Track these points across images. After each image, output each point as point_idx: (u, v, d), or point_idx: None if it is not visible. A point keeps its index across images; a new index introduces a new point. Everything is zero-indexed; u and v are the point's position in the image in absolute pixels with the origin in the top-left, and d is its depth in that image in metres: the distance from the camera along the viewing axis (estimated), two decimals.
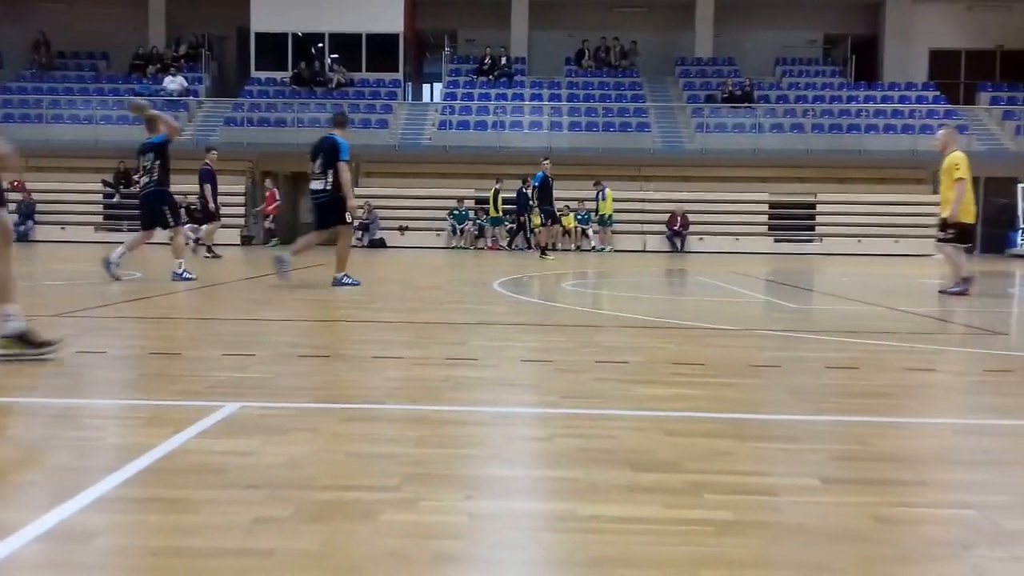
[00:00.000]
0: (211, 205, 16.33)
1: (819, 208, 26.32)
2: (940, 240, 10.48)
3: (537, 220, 20.34)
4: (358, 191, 26.96)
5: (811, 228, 26.23)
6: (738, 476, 2.74)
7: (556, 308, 8.69)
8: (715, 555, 2.11)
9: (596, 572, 2.00)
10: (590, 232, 25.43)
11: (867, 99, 28.90)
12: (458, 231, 25.44)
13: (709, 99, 28.61)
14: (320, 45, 30.52)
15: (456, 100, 29.31)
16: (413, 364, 4.82)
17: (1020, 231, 25.51)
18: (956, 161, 10.16)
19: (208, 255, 16.61)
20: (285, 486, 2.56)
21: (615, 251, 24.59)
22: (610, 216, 25.07)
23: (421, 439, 3.14)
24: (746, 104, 28.00)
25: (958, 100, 29.54)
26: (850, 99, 28.93)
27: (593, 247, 25.04)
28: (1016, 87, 29.47)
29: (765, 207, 26.38)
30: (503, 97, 29.22)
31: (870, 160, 26.08)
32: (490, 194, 24.97)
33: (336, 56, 30.39)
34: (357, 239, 25.83)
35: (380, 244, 25.20)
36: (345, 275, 10.27)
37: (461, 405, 3.79)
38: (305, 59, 30.23)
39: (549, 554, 2.15)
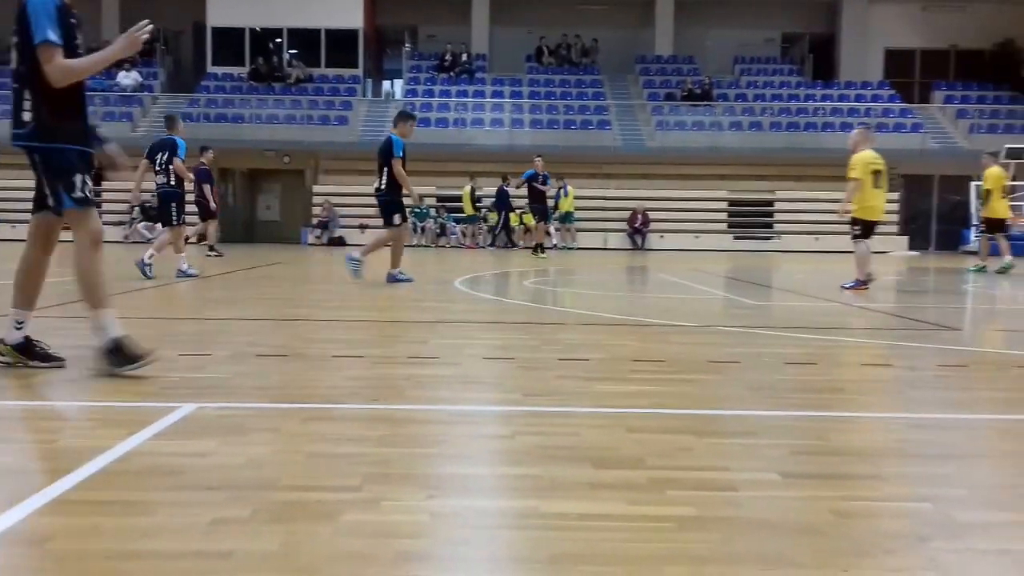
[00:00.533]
0: (212, 204, 16.15)
1: (777, 206, 26.60)
2: (853, 237, 10.87)
3: (530, 219, 20.35)
4: (317, 188, 26.84)
5: (769, 226, 26.50)
6: (699, 472, 2.76)
7: (518, 306, 8.69)
8: (678, 551, 2.11)
9: (558, 569, 2.00)
10: (551, 230, 25.46)
11: (824, 97, 29.24)
12: (419, 229, 25.35)
13: (669, 97, 28.79)
14: (278, 40, 30.24)
15: (417, 97, 29.20)
16: (374, 363, 4.79)
17: (973, 228, 25.97)
18: (853, 162, 10.64)
19: (211, 254, 16.43)
20: (244, 487, 2.53)
21: (577, 249, 24.65)
22: (571, 214, 25.14)
23: (382, 438, 3.12)
24: (705, 102, 28.21)
25: (913, 99, 29.98)
26: (807, 97, 29.25)
27: (555, 245, 25.09)
28: (969, 86, 29.97)
29: (724, 205, 26.61)
30: (464, 94, 29.17)
31: (827, 158, 26.34)
32: (465, 192, 24.88)
33: (295, 51, 30.12)
34: (316, 237, 25.68)
35: (340, 242, 25.03)
36: (400, 271, 10.39)
37: (423, 404, 3.77)
38: (263, 54, 29.92)
39: (511, 552, 2.14)
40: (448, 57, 30.28)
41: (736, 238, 25.92)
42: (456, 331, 6.43)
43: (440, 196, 25.86)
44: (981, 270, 14.28)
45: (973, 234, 25.64)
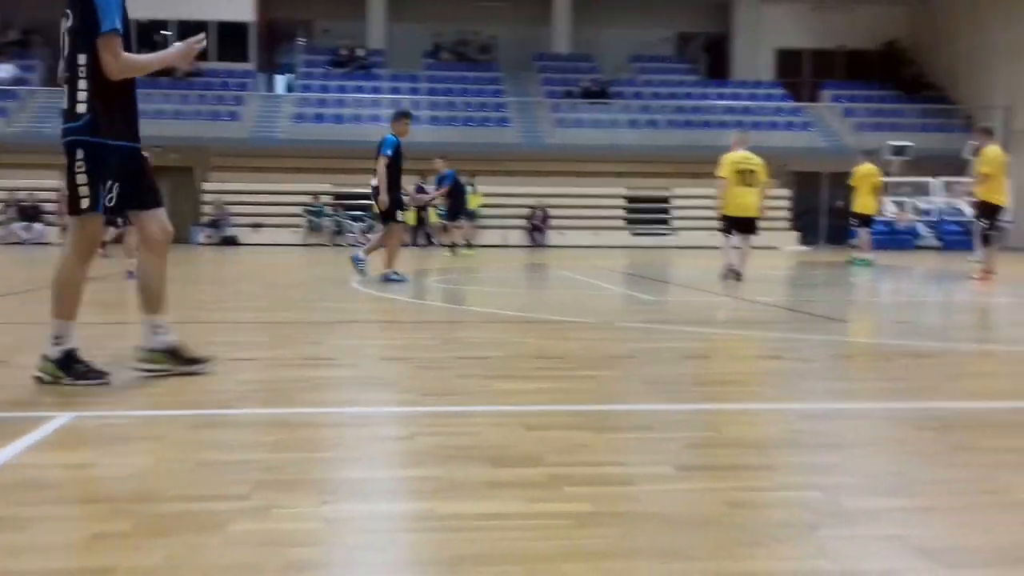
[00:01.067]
0: None
1: (674, 202, 27.11)
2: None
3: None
4: (207, 186, 26.11)
5: (666, 222, 27.00)
6: (597, 467, 2.76)
7: (418, 305, 8.62)
8: (576, 547, 2.10)
9: (458, 571, 1.97)
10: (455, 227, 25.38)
11: (718, 96, 29.95)
12: (316, 228, 24.93)
13: (568, 95, 29.04)
14: (166, 32, 29.31)
15: (312, 92, 28.72)
16: (267, 366, 4.66)
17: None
18: (721, 162, 11.32)
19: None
20: (127, 499, 2.41)
21: (478, 246, 24.64)
22: (475, 212, 25.07)
23: (275, 444, 3.03)
24: (603, 100, 28.57)
25: (803, 98, 30.97)
26: (702, 96, 29.90)
27: (453, 243, 25.00)
28: (857, 86, 31.12)
29: (623, 201, 27.00)
30: (361, 90, 28.81)
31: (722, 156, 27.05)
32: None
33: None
34: (207, 237, 24.97)
35: (232, 241, 24.43)
36: (394, 272, 10.25)
37: (318, 407, 3.69)
38: (149, 46, 28.91)
39: (410, 555, 2.10)
40: (344, 52, 29.87)
41: (634, 234, 26.33)
42: (354, 331, 6.33)
43: (337, 194, 25.50)
44: (865, 263, 14.85)
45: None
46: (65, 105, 3.90)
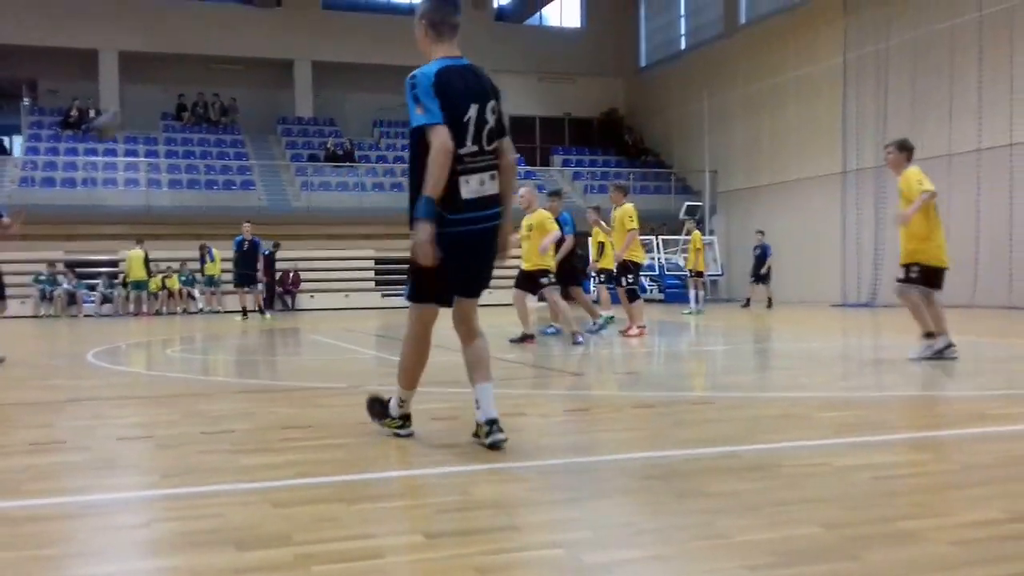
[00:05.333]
0: None
1: None
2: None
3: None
4: None
5: None
6: (346, 542, 2.75)
7: (159, 377, 8.20)
8: None
9: None
10: (196, 293, 24.36)
11: None
12: (48, 297, 23.02)
13: (312, 158, 28.87)
14: None
15: (39, 155, 26.71)
16: None
17: (592, 278, 28.47)
18: (542, 219, 11.42)
19: None
20: None
21: (223, 312, 23.74)
22: (218, 277, 24.17)
23: None
24: (348, 163, 28.65)
25: (536, 162, 32.68)
26: None
27: (200, 309, 23.99)
28: (583, 150, 33.32)
29: (372, 263, 27.05)
30: (93, 152, 27.16)
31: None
32: (135, 256, 22.61)
33: None
34: None
35: None
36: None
37: (44, 497, 3.42)
38: None
39: None
40: (74, 113, 28.08)
41: (384, 295, 26.40)
42: (88, 410, 5.93)
43: (69, 262, 23.75)
44: (611, 319, 15.73)
45: (592, 284, 28.20)
46: None
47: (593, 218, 14.02)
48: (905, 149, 8.17)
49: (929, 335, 7.86)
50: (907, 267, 7.89)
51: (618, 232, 12.11)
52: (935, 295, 7.92)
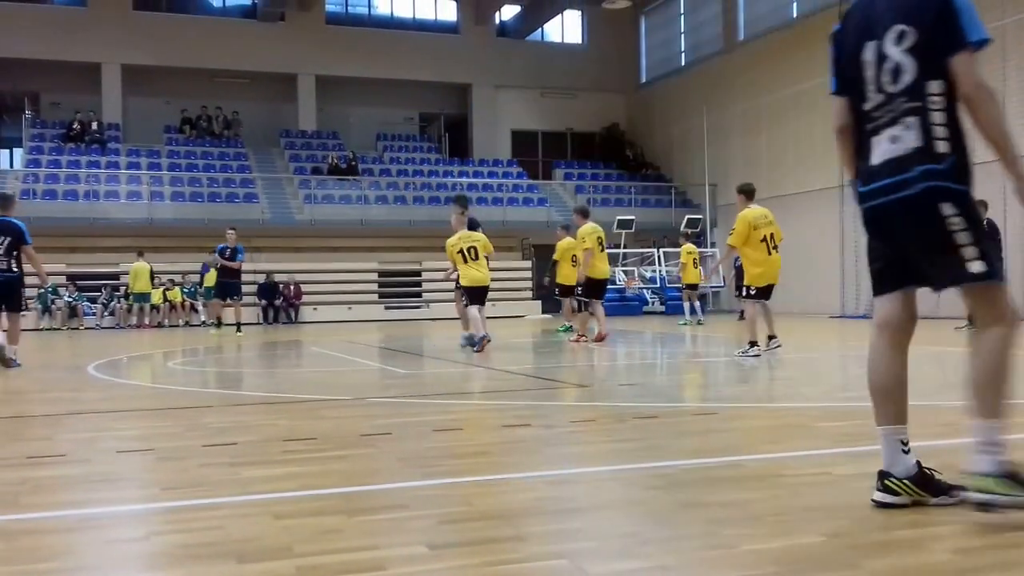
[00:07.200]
0: None
1: (425, 275, 27.47)
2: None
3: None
4: None
5: (419, 295, 27.29)
6: (348, 554, 2.72)
7: (161, 390, 8.17)
8: None
9: None
10: (199, 306, 24.34)
11: (460, 173, 30.95)
12: (49, 310, 23.02)
13: (315, 171, 28.90)
14: None
15: (41, 168, 26.76)
16: None
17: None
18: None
19: None
20: None
21: (227, 324, 23.72)
22: (212, 289, 24.12)
23: None
24: (351, 176, 28.68)
25: (538, 175, 32.71)
26: (445, 173, 30.78)
27: (203, 322, 23.97)
28: (584, 164, 33.35)
29: (375, 276, 27.04)
30: (96, 165, 27.21)
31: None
32: (140, 268, 22.60)
33: None
34: None
35: None
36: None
37: (42, 511, 3.39)
38: None
39: None
40: (76, 126, 28.14)
41: (387, 308, 26.37)
42: (88, 423, 5.90)
43: (70, 275, 23.75)
44: (566, 328, 15.73)
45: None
46: (921, 141, 3.06)
47: (561, 235, 15.41)
48: (742, 192, 10.37)
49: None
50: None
51: (579, 252, 13.24)
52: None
